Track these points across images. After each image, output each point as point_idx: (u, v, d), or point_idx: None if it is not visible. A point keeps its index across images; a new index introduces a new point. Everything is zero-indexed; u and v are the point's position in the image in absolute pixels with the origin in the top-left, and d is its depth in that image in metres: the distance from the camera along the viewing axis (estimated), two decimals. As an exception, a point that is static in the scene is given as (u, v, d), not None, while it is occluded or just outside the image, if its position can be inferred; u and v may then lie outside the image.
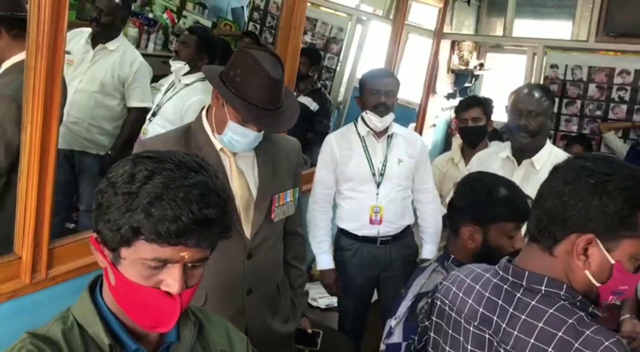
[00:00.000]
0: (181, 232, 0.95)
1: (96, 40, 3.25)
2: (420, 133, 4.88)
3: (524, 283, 1.21)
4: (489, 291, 1.28)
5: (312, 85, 4.66)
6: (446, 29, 5.32)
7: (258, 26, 5.38)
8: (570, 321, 1.13)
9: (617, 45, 4.60)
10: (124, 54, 3.30)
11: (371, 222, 2.79)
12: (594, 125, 4.72)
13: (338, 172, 2.83)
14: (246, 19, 5.63)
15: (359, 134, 2.83)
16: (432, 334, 1.43)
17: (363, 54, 5.29)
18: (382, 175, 2.78)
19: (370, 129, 2.79)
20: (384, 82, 2.75)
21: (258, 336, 1.88)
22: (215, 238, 1.02)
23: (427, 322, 1.48)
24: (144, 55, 3.53)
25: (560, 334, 1.12)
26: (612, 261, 1.14)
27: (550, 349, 1.12)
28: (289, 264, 2.15)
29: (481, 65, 5.78)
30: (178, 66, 3.13)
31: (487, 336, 1.25)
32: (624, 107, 4.63)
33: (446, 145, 5.55)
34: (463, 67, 5.66)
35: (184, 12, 5.46)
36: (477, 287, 1.31)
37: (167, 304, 1.01)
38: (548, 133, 2.50)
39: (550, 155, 2.48)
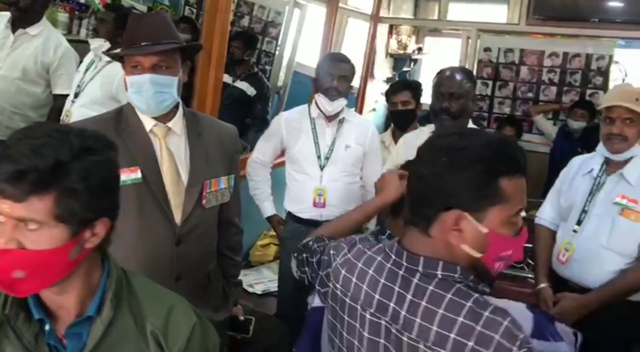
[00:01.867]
0: None
1: (16, 24, 3.13)
2: (360, 117, 4.90)
3: (419, 269, 1.20)
4: (384, 277, 1.24)
5: (248, 69, 4.63)
6: (384, 13, 5.34)
7: (195, 10, 5.28)
8: (468, 304, 1.13)
9: (546, 28, 4.73)
10: (47, 40, 3.18)
11: (314, 204, 2.80)
12: (526, 107, 4.84)
13: (286, 154, 2.86)
14: (183, 3, 5.52)
15: (310, 116, 2.83)
16: (329, 317, 1.39)
17: (302, 38, 5.27)
18: (327, 158, 2.79)
19: (322, 112, 2.79)
20: (338, 67, 2.75)
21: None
22: (22, 191, 1.01)
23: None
24: (76, 42, 3.42)
25: (460, 319, 1.12)
26: (485, 231, 1.15)
27: (453, 335, 1.11)
28: (222, 254, 2.12)
29: (419, 49, 5.84)
30: (98, 44, 3.05)
31: (383, 322, 1.22)
32: (554, 88, 4.78)
33: (386, 129, 5.59)
34: (401, 52, 5.71)
35: (118, -4, 5.30)
36: (371, 272, 1.27)
37: None
38: (470, 115, 2.55)
39: None
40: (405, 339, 1.18)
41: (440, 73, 2.55)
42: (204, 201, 1.92)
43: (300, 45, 5.27)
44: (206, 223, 1.97)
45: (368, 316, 1.25)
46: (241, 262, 2.33)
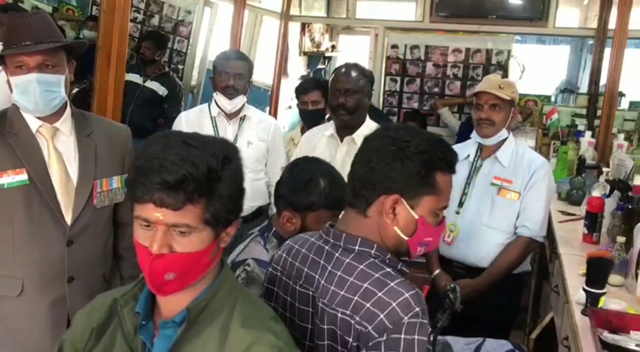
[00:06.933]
0: (145, 192, 1.08)
1: None
2: (275, 115, 4.94)
3: (341, 244, 1.35)
4: (312, 253, 1.40)
5: (159, 69, 4.62)
6: (295, 11, 5.40)
7: (103, 10, 5.16)
8: (377, 275, 1.27)
9: (449, 25, 4.93)
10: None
11: None
12: (433, 101, 5.02)
13: None
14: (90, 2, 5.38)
15: (210, 114, 2.84)
16: (263, 300, 1.44)
17: (214, 36, 5.27)
18: None
19: (222, 110, 2.81)
20: (234, 65, 2.78)
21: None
22: (179, 200, 1.08)
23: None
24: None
25: (366, 285, 1.26)
26: (416, 216, 1.33)
27: (356, 298, 1.25)
28: (120, 255, 2.12)
29: (333, 47, 5.95)
30: None
31: (310, 293, 1.36)
32: (458, 83, 4.98)
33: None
34: (315, 49, 5.80)
35: (20, -4, 5.10)
36: (303, 250, 1.43)
37: (147, 262, 1.12)
38: (366, 110, 2.64)
39: (371, 131, 2.62)
40: (320, 304, 1.32)
41: (336, 70, 2.66)
42: (94, 201, 1.92)
43: (213, 44, 5.27)
44: (98, 223, 1.97)
45: (298, 288, 1.40)
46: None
